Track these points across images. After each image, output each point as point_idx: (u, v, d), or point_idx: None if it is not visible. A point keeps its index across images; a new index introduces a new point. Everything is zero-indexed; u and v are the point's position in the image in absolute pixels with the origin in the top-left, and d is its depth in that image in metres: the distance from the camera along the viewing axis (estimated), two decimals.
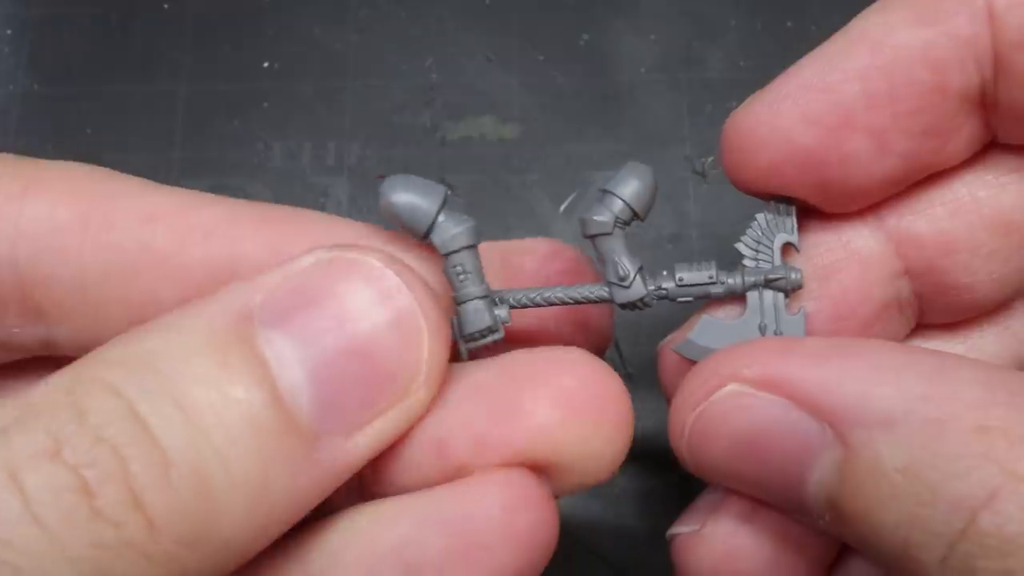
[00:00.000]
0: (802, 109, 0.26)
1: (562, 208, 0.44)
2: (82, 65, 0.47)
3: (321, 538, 0.25)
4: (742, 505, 0.27)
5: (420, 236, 0.26)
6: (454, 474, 0.25)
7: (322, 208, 0.44)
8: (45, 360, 0.29)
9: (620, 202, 0.27)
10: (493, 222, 0.44)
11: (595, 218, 0.27)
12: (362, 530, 0.24)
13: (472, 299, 0.27)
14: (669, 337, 0.30)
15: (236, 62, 0.47)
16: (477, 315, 0.27)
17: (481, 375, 0.26)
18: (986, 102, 0.26)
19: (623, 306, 0.28)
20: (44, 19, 0.48)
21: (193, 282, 0.27)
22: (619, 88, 0.46)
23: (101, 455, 0.20)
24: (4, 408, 0.21)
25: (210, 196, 0.28)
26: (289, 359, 0.23)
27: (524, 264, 0.29)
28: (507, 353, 0.26)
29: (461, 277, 0.27)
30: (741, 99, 0.46)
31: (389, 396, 0.24)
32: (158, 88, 0.46)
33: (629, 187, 0.27)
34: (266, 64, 0.47)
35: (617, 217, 0.27)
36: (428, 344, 0.24)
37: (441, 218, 0.26)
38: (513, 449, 0.25)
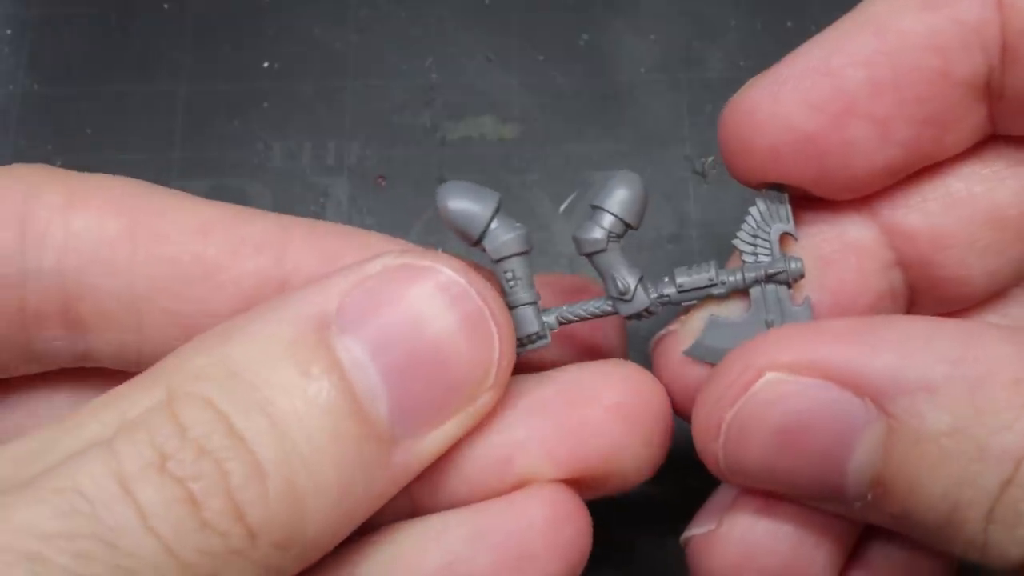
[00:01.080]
0: (804, 94, 0.26)
1: (562, 208, 0.44)
2: (82, 65, 0.47)
3: (370, 552, 0.26)
4: (757, 500, 0.27)
5: (472, 242, 0.27)
6: (512, 488, 0.26)
7: (322, 208, 0.44)
8: (77, 371, 0.30)
9: (610, 216, 0.27)
10: None
11: (588, 236, 0.27)
12: (411, 546, 0.25)
13: (521, 305, 0.27)
14: (662, 332, 0.30)
15: (236, 62, 0.47)
16: (526, 321, 0.27)
17: (542, 392, 0.27)
18: (991, 91, 0.26)
19: (628, 317, 0.28)
20: (44, 19, 0.48)
21: (245, 294, 0.27)
22: (619, 88, 0.46)
23: (205, 468, 0.21)
24: (101, 417, 0.22)
25: (254, 210, 0.29)
26: (366, 365, 0.23)
27: (547, 297, 0.29)
28: (561, 368, 0.28)
29: (511, 283, 0.27)
30: None
31: (460, 399, 0.25)
32: (158, 88, 0.46)
33: (617, 199, 0.27)
34: (266, 64, 0.47)
35: (610, 232, 0.27)
36: (498, 348, 0.25)
37: (494, 224, 0.26)
38: (578, 464, 0.26)
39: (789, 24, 0.47)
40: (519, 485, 0.26)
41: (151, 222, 0.27)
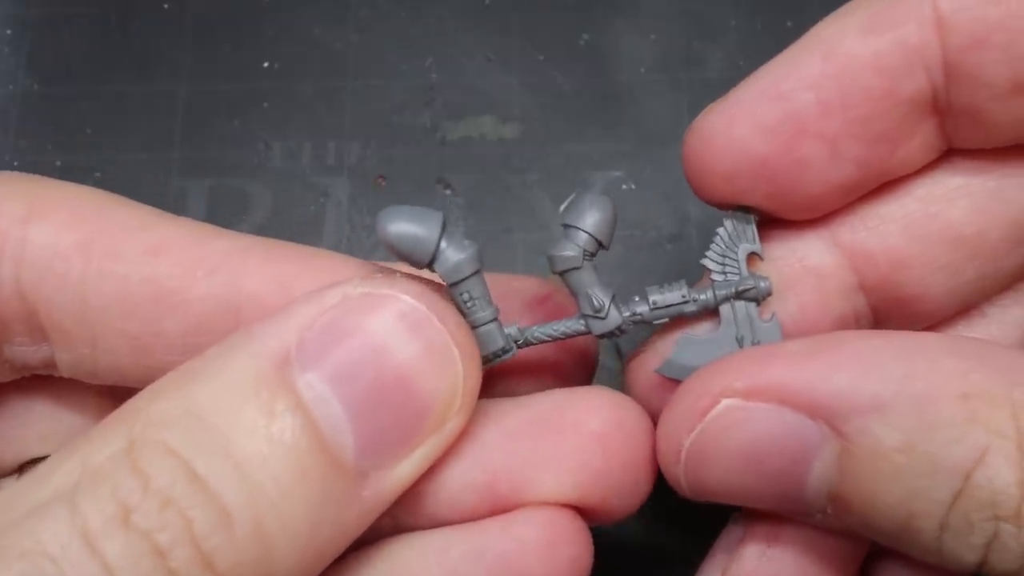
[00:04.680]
0: (756, 118, 0.27)
1: (562, 208, 0.44)
2: (82, 65, 0.47)
3: (365, 569, 0.25)
4: (758, 543, 0.27)
5: (423, 266, 0.26)
6: (497, 510, 0.26)
7: (322, 208, 0.44)
8: (55, 381, 0.29)
9: (584, 234, 0.27)
10: (493, 222, 0.44)
11: (562, 254, 0.27)
12: (409, 562, 0.25)
13: (483, 324, 0.27)
14: (635, 353, 0.30)
15: (236, 62, 0.47)
16: (490, 338, 0.27)
17: (521, 416, 0.27)
18: (939, 107, 0.27)
19: (601, 336, 0.28)
20: (44, 19, 0.48)
21: (195, 317, 0.27)
22: (619, 88, 0.46)
23: (170, 519, 0.21)
24: (64, 467, 0.22)
25: (215, 229, 0.28)
26: (329, 399, 0.23)
27: (512, 307, 0.30)
28: (539, 394, 0.28)
29: (469, 304, 0.26)
30: None
31: (427, 426, 0.24)
32: (158, 88, 0.46)
33: (590, 218, 0.27)
34: (266, 64, 0.47)
35: (584, 250, 0.27)
36: (462, 372, 0.25)
37: (443, 245, 0.26)
38: (559, 492, 0.26)
39: (789, 24, 0.47)
40: (503, 510, 0.26)
41: (107, 238, 0.27)
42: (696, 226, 0.44)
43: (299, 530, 0.22)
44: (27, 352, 0.28)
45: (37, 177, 0.28)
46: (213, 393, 0.22)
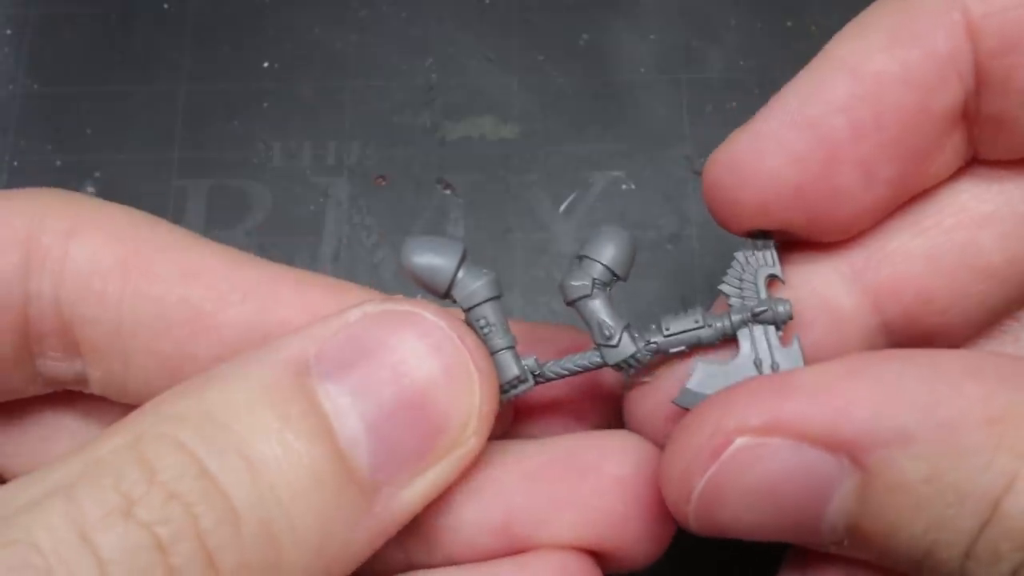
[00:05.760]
0: (787, 147, 0.26)
1: (562, 208, 0.44)
2: (82, 65, 0.47)
3: None
4: None
5: (441, 294, 0.26)
6: (511, 551, 0.26)
7: (322, 208, 0.44)
8: (86, 395, 0.30)
9: (599, 265, 0.27)
10: (493, 222, 0.44)
11: (573, 283, 0.27)
12: None
13: (498, 351, 0.27)
14: (635, 388, 0.30)
15: (236, 62, 0.47)
16: (505, 366, 0.27)
17: (541, 459, 0.26)
18: (968, 115, 0.26)
19: (617, 367, 0.27)
20: (44, 19, 0.48)
21: (226, 341, 0.27)
22: (619, 88, 0.46)
23: (174, 512, 0.20)
24: (68, 463, 0.21)
25: (247, 255, 0.28)
26: (347, 411, 0.23)
27: (546, 355, 0.29)
28: (560, 436, 0.27)
29: (485, 330, 0.26)
30: (741, 99, 0.46)
31: (443, 446, 0.24)
32: (158, 88, 0.46)
33: (606, 250, 0.27)
34: (266, 64, 0.47)
35: (596, 279, 0.27)
36: (479, 394, 0.25)
37: (460, 274, 0.26)
38: (576, 536, 0.26)
39: (789, 24, 0.47)
40: (517, 551, 0.26)
41: (144, 258, 0.27)
42: (696, 226, 0.44)
43: (308, 538, 0.22)
44: (60, 367, 0.28)
45: (79, 195, 0.28)
46: (227, 395, 0.22)
